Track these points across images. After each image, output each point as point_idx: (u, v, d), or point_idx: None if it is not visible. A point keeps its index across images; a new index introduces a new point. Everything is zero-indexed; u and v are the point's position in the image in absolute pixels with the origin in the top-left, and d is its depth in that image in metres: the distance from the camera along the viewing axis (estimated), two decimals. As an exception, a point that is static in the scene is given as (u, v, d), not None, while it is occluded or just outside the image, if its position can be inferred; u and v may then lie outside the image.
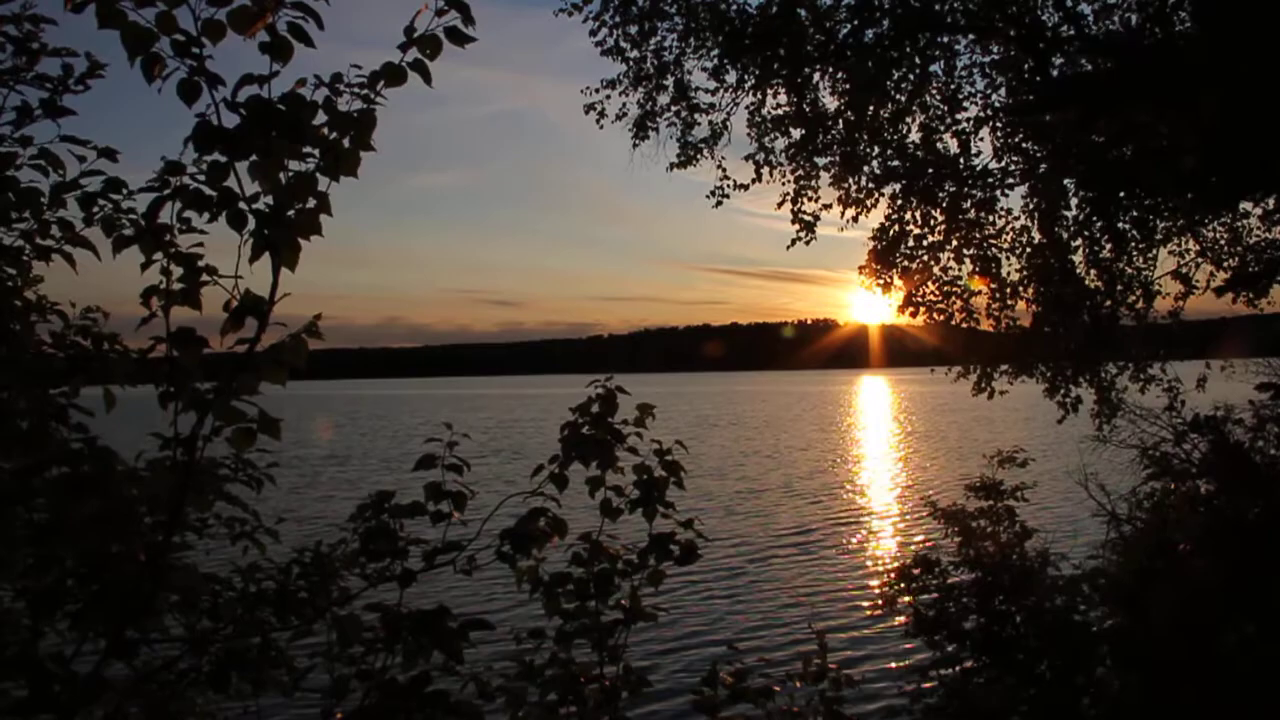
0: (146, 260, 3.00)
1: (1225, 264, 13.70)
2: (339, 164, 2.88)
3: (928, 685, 10.93)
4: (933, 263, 14.10)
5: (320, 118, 2.89)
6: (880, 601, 11.80)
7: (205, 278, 3.01)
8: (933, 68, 13.29)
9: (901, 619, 11.68)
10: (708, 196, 13.93)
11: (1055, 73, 12.16)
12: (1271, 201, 10.87)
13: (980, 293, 14.15)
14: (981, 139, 13.44)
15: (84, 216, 3.60)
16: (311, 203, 2.86)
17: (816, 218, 13.90)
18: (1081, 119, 10.48)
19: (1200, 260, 13.98)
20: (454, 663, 3.35)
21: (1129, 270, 13.97)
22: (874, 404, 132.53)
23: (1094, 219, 13.41)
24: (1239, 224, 13.41)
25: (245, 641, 3.85)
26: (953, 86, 13.43)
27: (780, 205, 13.91)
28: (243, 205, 2.83)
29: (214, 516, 4.60)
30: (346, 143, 2.89)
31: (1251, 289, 9.92)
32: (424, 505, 3.78)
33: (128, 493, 3.26)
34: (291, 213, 2.83)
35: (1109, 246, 13.68)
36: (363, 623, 3.53)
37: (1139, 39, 11.32)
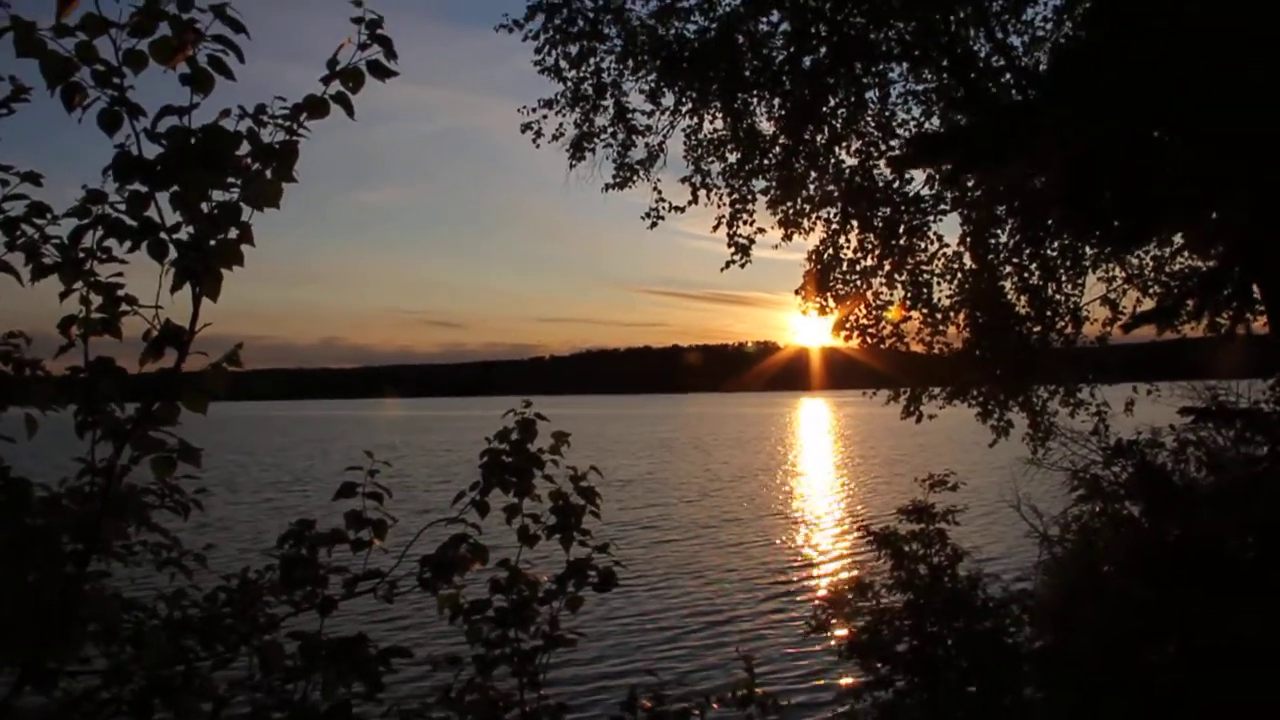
0: (66, 289, 2.99)
1: (1150, 290, 14.01)
2: (261, 195, 2.90)
3: (861, 707, 11.01)
4: (866, 287, 14.31)
5: (244, 148, 2.90)
6: (814, 624, 11.88)
7: (125, 307, 3.01)
8: (868, 95, 13.52)
9: (835, 642, 11.76)
10: (643, 218, 14.03)
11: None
12: (1178, 239, 11.23)
13: (905, 319, 14.38)
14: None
15: (5, 241, 3.55)
16: (234, 233, 2.87)
17: (752, 241, 14.04)
18: (955, 170, 10.87)
19: (1127, 287, 14.29)
20: (373, 690, 3.35)
21: (1058, 296, 14.25)
22: (817, 427, 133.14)
23: (1024, 246, 13.68)
24: (1163, 253, 13.72)
25: (169, 670, 3.81)
26: (887, 114, 13.67)
27: (715, 228, 14.03)
28: (164, 235, 2.83)
29: (140, 543, 4.55)
30: (269, 174, 2.91)
31: (1157, 324, 10.23)
32: (344, 533, 3.78)
33: (45, 520, 3.23)
34: (213, 243, 2.84)
35: (1038, 273, 13.95)
36: (284, 650, 3.52)
37: (999, 99, 11.82)
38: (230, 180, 2.89)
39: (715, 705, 4.35)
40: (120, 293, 3.04)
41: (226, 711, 3.75)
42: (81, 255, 3.02)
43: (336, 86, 3.00)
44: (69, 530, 3.36)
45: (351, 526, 3.80)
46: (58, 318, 3.06)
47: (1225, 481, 10.10)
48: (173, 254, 2.84)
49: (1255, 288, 9.88)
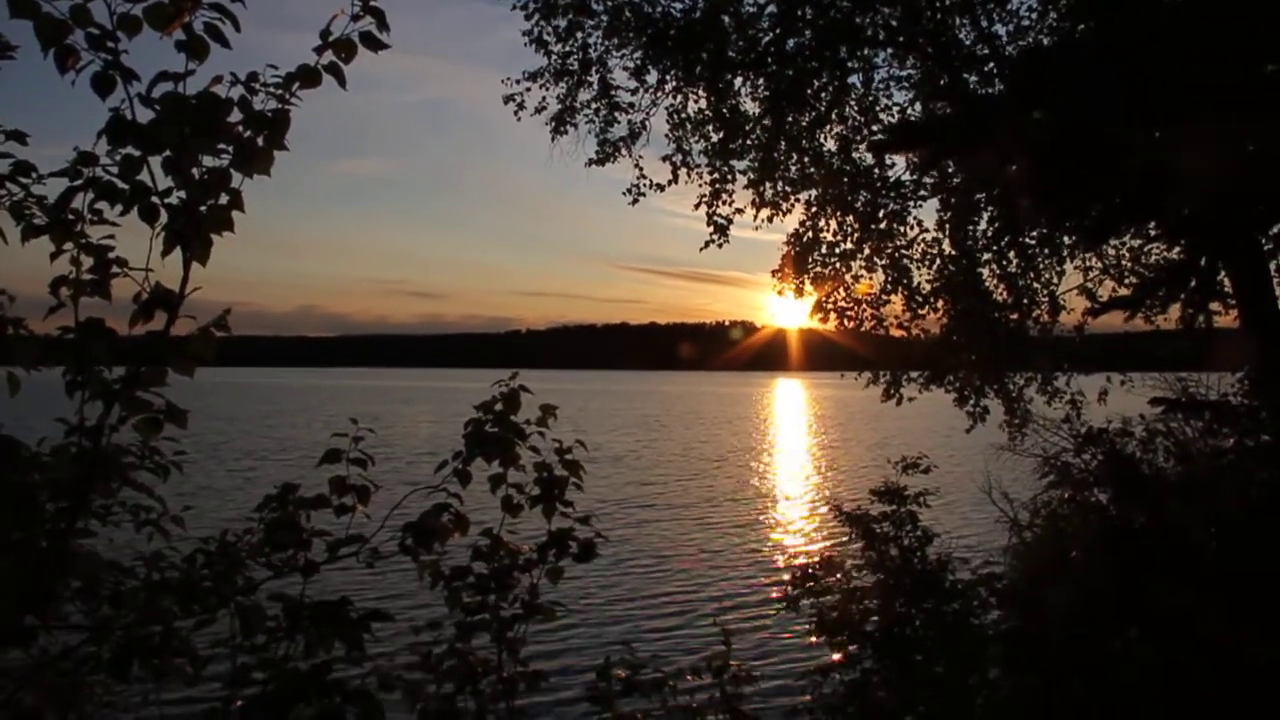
0: (56, 250, 3.02)
1: (1126, 280, 14.12)
2: (253, 162, 2.93)
3: (828, 685, 11.13)
4: (845, 270, 14.38)
5: (235, 115, 2.93)
6: (784, 602, 11.99)
7: (116, 269, 3.04)
8: (851, 79, 13.57)
9: (805, 618, 11.86)
10: (624, 194, 14.05)
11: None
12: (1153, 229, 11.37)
13: (880, 301, 14.47)
14: (896, 150, 13.71)
15: (-10, 198, 3.55)
16: (224, 199, 2.91)
17: (730, 220, 14.09)
18: (931, 158, 11.02)
19: (1103, 277, 14.40)
20: (355, 652, 3.40)
21: (1036, 284, 14.35)
22: (795, 408, 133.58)
23: (1002, 234, 13.77)
24: (1139, 243, 13.83)
25: (147, 629, 3.85)
26: (870, 98, 13.72)
27: (697, 206, 14.08)
28: (155, 199, 2.86)
29: (119, 504, 4.57)
30: (261, 141, 2.94)
31: (1125, 310, 10.39)
32: (328, 498, 3.83)
33: (30, 479, 3.26)
34: (204, 208, 2.87)
35: (1016, 261, 14.05)
36: (266, 612, 3.57)
37: (971, 93, 12.00)
38: (221, 146, 2.91)
39: (690, 677, 4.42)
40: (111, 255, 3.07)
41: (207, 671, 3.79)
42: (72, 217, 3.04)
43: (329, 57, 3.03)
44: (53, 489, 3.39)
45: (335, 492, 3.85)
46: (44, 277, 3.09)
47: (1192, 472, 10.25)
48: (164, 218, 2.86)
49: (1227, 279, 10.01)
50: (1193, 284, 9.58)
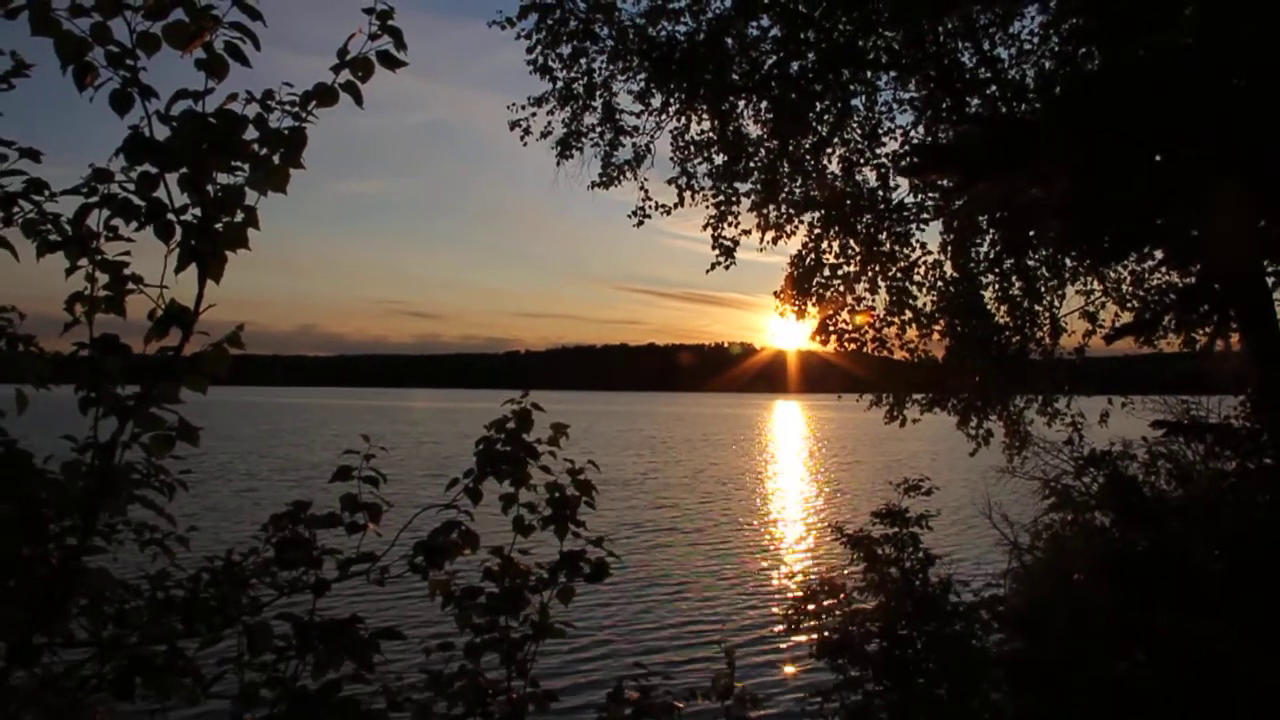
0: (71, 266, 3.01)
1: (1128, 304, 14.15)
2: (268, 179, 2.93)
3: (831, 707, 11.09)
4: (847, 292, 14.40)
5: (251, 133, 2.93)
6: (786, 624, 11.95)
7: (130, 286, 3.03)
8: (854, 102, 13.62)
9: (807, 640, 11.83)
10: (630, 216, 14.08)
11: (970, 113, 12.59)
12: (1159, 254, 11.40)
13: (883, 324, 14.48)
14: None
15: (2, 217, 3.55)
16: (240, 216, 2.91)
17: (736, 243, 14.12)
18: (961, 182, 11.07)
19: (1105, 300, 14.43)
20: (364, 671, 3.38)
21: (1038, 307, 14.37)
22: (798, 430, 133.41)
23: (1005, 256, 13.79)
24: (1140, 268, 13.85)
25: (151, 648, 3.82)
26: (873, 121, 13.77)
27: (705, 228, 14.10)
28: (171, 216, 2.86)
29: (123, 523, 4.56)
30: (276, 159, 2.94)
31: (1137, 336, 10.40)
32: (340, 516, 3.81)
33: (39, 495, 3.25)
34: (219, 226, 2.87)
35: (1019, 283, 14.07)
36: (273, 631, 3.55)
37: (1003, 116, 12.07)
38: (235, 164, 2.91)
39: (701, 700, 4.40)
40: (126, 272, 3.06)
41: (214, 689, 3.77)
42: (86, 234, 3.04)
43: (346, 75, 3.04)
44: (63, 506, 3.37)
45: (346, 509, 3.83)
46: (54, 295, 3.08)
47: (1194, 494, 10.25)
48: (179, 235, 2.86)
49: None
50: (1204, 308, 9.60)
